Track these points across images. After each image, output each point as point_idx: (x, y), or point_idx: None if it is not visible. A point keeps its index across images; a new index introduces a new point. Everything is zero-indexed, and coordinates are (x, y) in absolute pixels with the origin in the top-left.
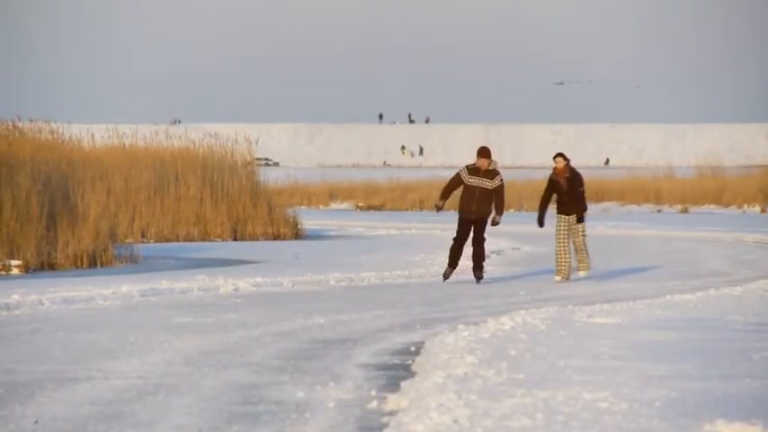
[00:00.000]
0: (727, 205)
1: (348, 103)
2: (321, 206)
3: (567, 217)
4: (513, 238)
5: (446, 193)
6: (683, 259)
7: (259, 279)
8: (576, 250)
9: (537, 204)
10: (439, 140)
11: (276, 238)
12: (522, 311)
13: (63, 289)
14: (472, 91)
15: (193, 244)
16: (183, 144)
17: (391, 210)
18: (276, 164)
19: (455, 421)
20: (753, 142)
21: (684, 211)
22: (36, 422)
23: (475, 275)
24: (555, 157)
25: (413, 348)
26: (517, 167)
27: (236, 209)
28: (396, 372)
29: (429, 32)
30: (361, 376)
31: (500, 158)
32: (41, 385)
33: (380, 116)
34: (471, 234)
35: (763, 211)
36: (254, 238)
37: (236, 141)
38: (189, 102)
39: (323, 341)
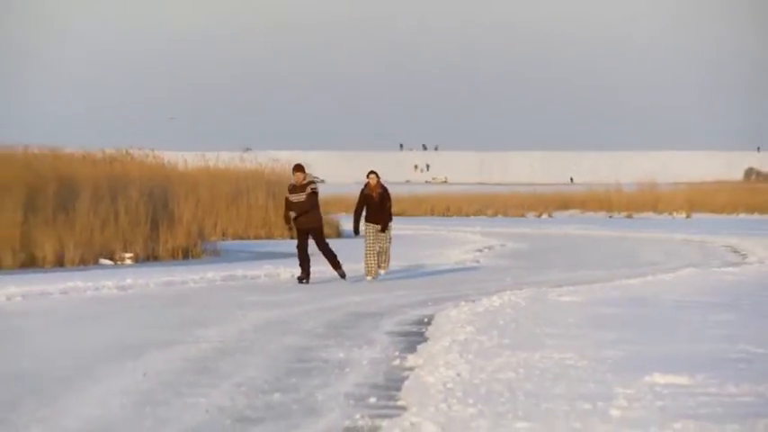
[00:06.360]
0: (661, 212)
1: (375, 134)
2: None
3: (375, 225)
4: (500, 237)
5: (287, 218)
6: (629, 253)
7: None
8: (380, 253)
9: (518, 212)
10: (444, 164)
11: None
12: (508, 292)
13: (164, 275)
14: (471, 122)
15: (261, 241)
16: (253, 166)
17: (409, 216)
18: (323, 181)
19: (458, 374)
20: (679, 166)
21: (629, 216)
22: (144, 374)
23: (338, 274)
24: (368, 174)
25: (426, 320)
26: (505, 184)
27: None
28: (413, 337)
29: (439, 71)
30: (387, 341)
31: (490, 177)
32: (147, 347)
33: (401, 146)
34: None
35: (687, 216)
36: None
37: (292, 164)
38: (258, 132)
39: (358, 314)
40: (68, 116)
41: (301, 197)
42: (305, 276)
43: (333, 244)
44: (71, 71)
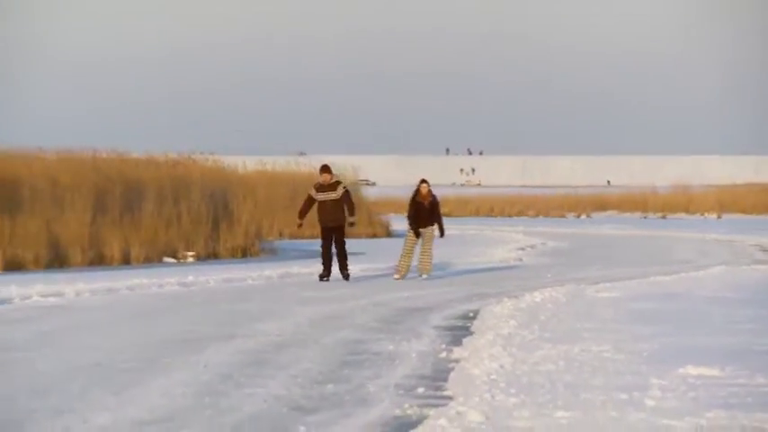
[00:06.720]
0: (693, 213)
1: (423, 139)
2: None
3: (422, 229)
4: (541, 236)
5: (302, 213)
6: (663, 251)
7: (363, 265)
8: (422, 253)
9: (558, 213)
10: (489, 168)
11: (374, 236)
12: (549, 288)
13: (223, 272)
14: (514, 128)
15: (316, 240)
16: (307, 169)
17: (456, 216)
18: (374, 184)
19: (501, 367)
20: (710, 169)
21: (663, 217)
22: (205, 366)
23: (342, 275)
24: (420, 183)
25: (471, 314)
26: (546, 186)
27: None
28: (459, 331)
29: (484, 80)
30: (434, 334)
31: (532, 180)
32: (208, 340)
33: (447, 150)
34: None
35: (718, 217)
36: (358, 236)
37: (345, 167)
38: (312, 136)
39: (407, 309)
40: (131, 121)
41: (330, 195)
42: (326, 275)
43: (383, 243)
44: (115, 72)
